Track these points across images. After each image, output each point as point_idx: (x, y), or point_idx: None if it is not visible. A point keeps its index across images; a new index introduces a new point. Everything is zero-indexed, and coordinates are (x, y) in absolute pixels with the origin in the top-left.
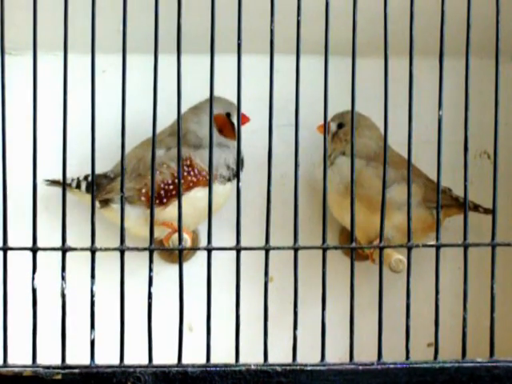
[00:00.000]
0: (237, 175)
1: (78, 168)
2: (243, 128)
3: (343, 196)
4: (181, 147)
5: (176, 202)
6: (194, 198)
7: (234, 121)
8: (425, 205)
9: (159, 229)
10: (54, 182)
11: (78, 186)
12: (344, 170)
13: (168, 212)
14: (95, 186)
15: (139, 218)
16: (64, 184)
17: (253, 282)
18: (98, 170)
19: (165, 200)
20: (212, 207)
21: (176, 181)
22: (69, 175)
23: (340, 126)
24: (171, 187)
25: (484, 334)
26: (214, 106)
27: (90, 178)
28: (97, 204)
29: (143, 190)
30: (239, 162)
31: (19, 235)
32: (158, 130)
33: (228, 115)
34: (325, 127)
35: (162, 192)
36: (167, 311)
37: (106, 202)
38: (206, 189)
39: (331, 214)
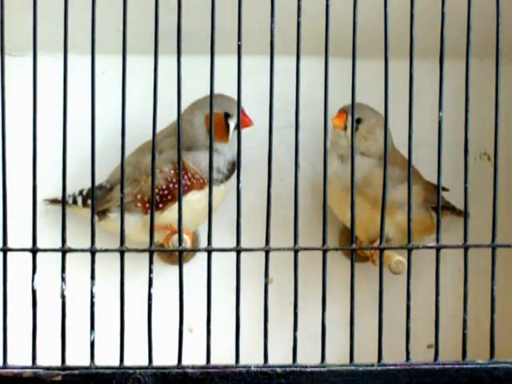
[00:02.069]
0: (237, 176)
1: (75, 173)
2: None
3: (347, 193)
4: (181, 150)
5: (172, 207)
6: (190, 202)
7: (231, 123)
8: (425, 206)
9: (158, 233)
10: (52, 201)
11: (75, 202)
12: (359, 168)
13: (165, 217)
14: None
15: (137, 224)
16: (64, 183)
17: (253, 283)
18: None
19: (161, 205)
20: (208, 208)
21: (170, 185)
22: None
23: (358, 121)
24: (166, 192)
25: (484, 335)
26: (214, 103)
27: (84, 193)
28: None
29: (138, 196)
30: (239, 162)
31: (19, 236)
32: (157, 131)
33: (226, 115)
34: (325, 127)
35: (157, 197)
36: (167, 312)
37: (103, 213)
38: (201, 192)
39: (331, 214)
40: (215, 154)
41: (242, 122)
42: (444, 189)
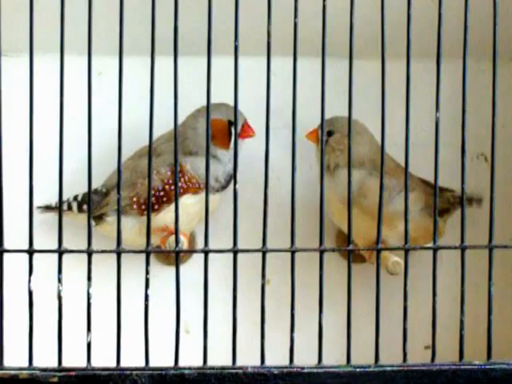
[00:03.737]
0: (234, 177)
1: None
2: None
3: (344, 204)
4: (178, 151)
5: (167, 209)
6: (185, 205)
7: (234, 131)
8: (427, 212)
9: (154, 236)
10: (46, 208)
11: (70, 208)
12: (345, 180)
13: (160, 219)
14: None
15: (133, 227)
16: (61, 184)
17: (250, 284)
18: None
19: (156, 207)
20: (204, 212)
21: (166, 187)
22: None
23: (329, 133)
24: (162, 194)
25: (481, 336)
26: (218, 111)
27: (79, 198)
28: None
29: (134, 199)
30: (236, 163)
31: (16, 239)
32: (155, 134)
33: (230, 123)
34: (322, 129)
35: (153, 199)
36: (164, 313)
37: (100, 218)
38: (196, 196)
39: (328, 218)
40: (215, 160)
41: (245, 131)
42: (448, 190)
